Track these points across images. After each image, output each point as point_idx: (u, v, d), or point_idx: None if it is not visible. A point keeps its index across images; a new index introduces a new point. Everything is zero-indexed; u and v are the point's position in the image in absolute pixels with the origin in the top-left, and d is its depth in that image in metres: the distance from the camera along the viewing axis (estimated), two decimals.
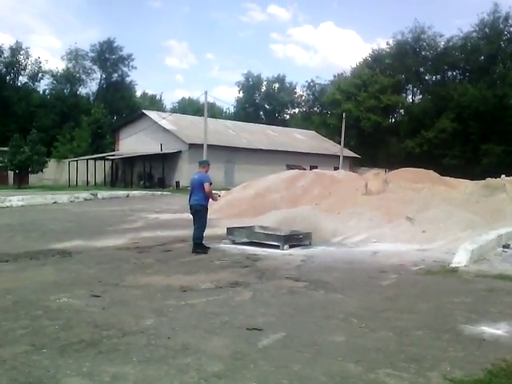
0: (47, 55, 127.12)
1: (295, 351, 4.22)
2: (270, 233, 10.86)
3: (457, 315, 5.43)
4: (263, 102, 79.98)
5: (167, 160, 38.93)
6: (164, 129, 40.64)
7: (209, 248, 9.60)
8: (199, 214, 9.61)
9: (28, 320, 4.90)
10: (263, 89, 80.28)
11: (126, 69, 67.63)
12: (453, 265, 8.18)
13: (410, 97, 65.26)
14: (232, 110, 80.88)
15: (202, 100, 45.10)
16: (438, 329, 4.91)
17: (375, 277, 7.49)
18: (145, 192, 30.24)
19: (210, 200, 9.85)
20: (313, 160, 45.18)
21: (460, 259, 8.29)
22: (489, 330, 4.92)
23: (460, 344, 4.48)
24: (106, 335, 4.49)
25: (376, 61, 64.25)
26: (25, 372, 3.66)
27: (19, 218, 15.14)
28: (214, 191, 10.19)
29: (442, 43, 59.58)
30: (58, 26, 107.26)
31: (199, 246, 9.47)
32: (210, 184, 9.59)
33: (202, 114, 41.43)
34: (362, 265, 8.53)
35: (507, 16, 54.68)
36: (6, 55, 59.45)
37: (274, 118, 73.93)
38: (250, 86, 78.77)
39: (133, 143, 42.89)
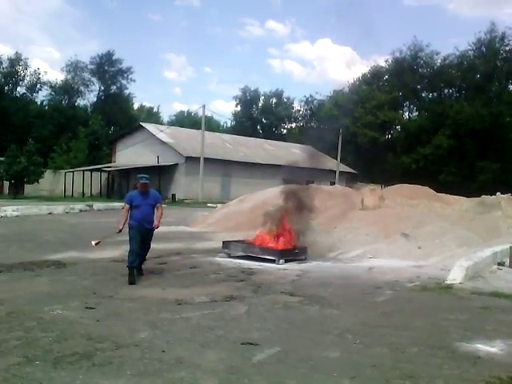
0: (46, 67, 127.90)
1: (290, 366, 4.20)
2: (265, 247, 10.83)
3: (452, 332, 5.42)
4: (260, 117, 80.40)
5: (164, 173, 38.92)
6: (161, 141, 40.71)
7: (133, 281, 7.46)
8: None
9: (21, 331, 4.87)
10: (261, 103, 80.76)
11: (124, 81, 68.25)
12: (448, 282, 8.17)
13: (406, 113, 65.74)
14: (229, 123, 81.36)
15: (199, 113, 45.31)
16: (433, 346, 4.90)
17: (370, 293, 7.48)
18: None
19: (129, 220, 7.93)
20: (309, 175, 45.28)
21: (455, 276, 8.29)
22: (484, 347, 4.91)
23: (455, 361, 4.47)
24: (99, 348, 4.46)
25: (374, 77, 64.78)
26: None
27: (14, 228, 15.06)
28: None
29: (439, 61, 60.34)
30: (58, 38, 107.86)
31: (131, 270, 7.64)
32: (126, 203, 8.06)
33: (199, 128, 41.62)
34: (357, 280, 8.52)
35: (503, 35, 55.44)
36: (4, 66, 59.70)
37: (271, 133, 74.27)
38: (248, 100, 79.24)
39: (130, 155, 42.92)
